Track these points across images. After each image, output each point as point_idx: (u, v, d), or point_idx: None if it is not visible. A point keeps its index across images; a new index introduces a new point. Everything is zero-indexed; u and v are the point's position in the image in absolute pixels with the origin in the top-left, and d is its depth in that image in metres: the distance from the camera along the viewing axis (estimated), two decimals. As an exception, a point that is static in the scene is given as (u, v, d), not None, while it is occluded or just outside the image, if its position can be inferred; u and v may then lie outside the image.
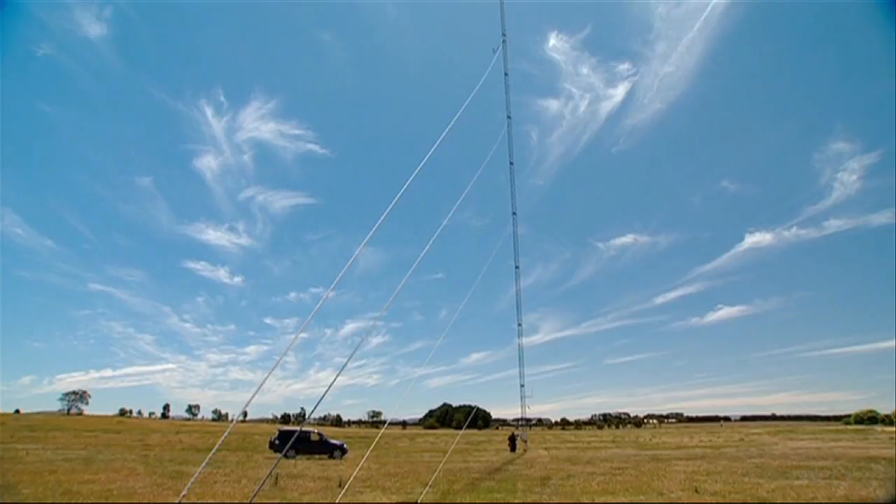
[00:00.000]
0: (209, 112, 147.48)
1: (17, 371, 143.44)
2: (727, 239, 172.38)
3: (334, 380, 9.50)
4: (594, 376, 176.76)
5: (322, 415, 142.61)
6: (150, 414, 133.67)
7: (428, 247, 13.81)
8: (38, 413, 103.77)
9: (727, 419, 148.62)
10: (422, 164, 12.78)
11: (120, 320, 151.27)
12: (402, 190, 11.64)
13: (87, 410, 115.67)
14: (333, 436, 33.81)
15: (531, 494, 13.41)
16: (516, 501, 12.57)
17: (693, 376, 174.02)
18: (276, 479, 15.76)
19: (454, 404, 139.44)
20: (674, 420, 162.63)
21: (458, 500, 12.70)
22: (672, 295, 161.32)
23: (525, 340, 43.95)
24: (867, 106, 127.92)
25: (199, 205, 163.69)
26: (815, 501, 12.10)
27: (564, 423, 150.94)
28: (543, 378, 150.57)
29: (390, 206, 11.06)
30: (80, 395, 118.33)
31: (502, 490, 14.28)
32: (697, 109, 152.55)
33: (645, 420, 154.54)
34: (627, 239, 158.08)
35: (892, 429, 64.12)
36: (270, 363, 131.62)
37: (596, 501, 12.27)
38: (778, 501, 12.07)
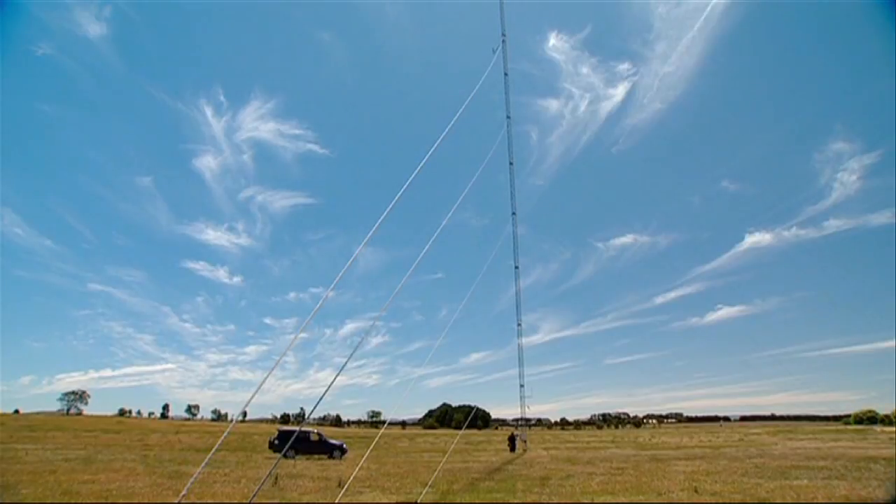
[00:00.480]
0: (209, 112, 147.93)
1: (17, 371, 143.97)
2: (727, 239, 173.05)
3: (334, 380, 9.51)
4: (594, 376, 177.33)
5: (322, 415, 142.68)
6: (150, 414, 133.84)
7: (428, 247, 13.82)
8: (38, 413, 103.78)
9: (727, 419, 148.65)
10: (422, 164, 12.79)
11: (119, 320, 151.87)
12: (402, 190, 11.64)
13: (87, 410, 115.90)
14: (333, 436, 33.77)
15: (531, 494, 13.41)
16: (516, 501, 12.56)
17: (693, 376, 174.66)
18: (276, 479, 15.75)
19: (454, 404, 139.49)
20: (673, 420, 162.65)
21: (458, 500, 12.70)
22: (672, 295, 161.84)
23: (525, 340, 43.91)
24: (867, 106, 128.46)
25: (199, 205, 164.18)
26: (815, 501, 12.10)
27: (564, 423, 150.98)
28: (543, 378, 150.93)
29: (390, 206, 11.05)
30: (80, 395, 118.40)
31: (502, 490, 14.28)
32: (697, 109, 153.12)
33: (644, 420, 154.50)
34: (627, 239, 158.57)
35: (892, 429, 64.17)
36: (270, 363, 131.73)
37: (595, 501, 12.27)
38: (778, 501, 12.07)
